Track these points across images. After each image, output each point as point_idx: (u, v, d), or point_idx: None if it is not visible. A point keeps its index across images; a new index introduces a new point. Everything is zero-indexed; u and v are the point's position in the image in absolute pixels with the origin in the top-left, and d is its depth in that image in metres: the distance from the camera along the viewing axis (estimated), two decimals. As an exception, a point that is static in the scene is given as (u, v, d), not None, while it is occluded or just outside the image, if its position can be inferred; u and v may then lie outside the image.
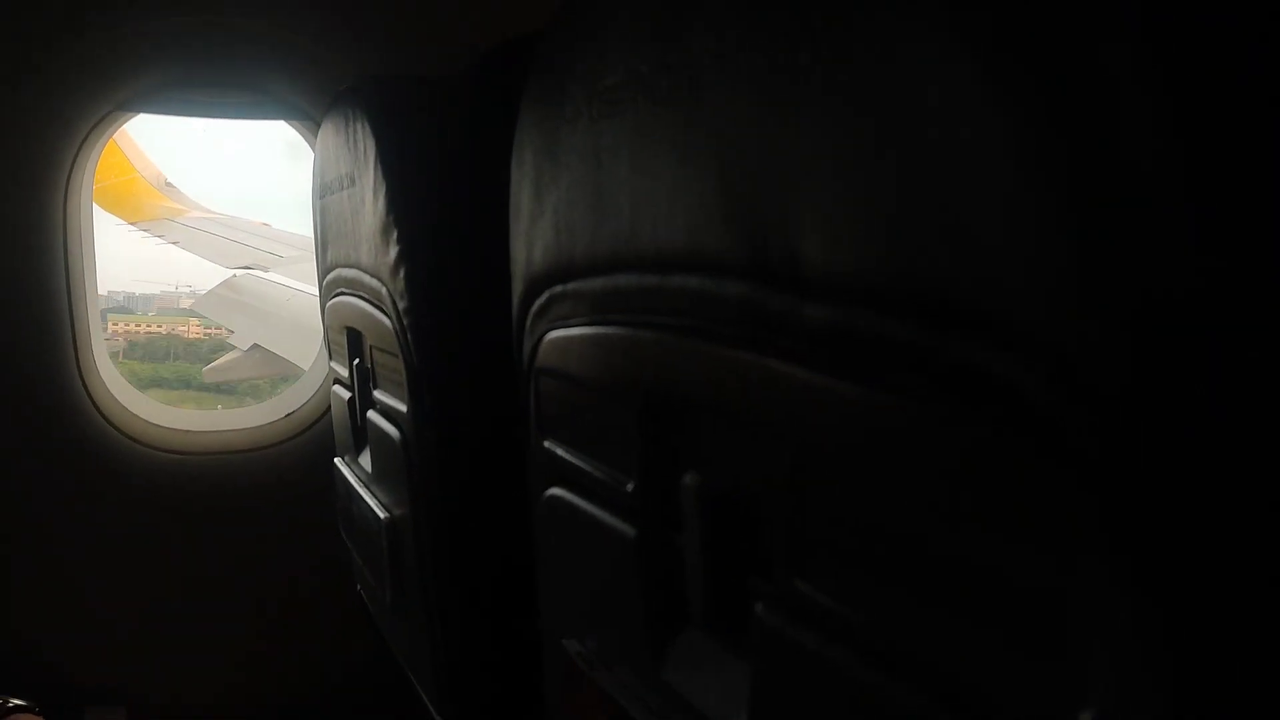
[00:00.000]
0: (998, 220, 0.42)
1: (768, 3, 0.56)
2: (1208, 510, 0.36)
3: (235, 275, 12.96)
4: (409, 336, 1.31)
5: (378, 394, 1.54)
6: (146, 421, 2.25)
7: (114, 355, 2.30)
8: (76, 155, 2.06)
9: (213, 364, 12.59)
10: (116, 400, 2.23)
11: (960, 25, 0.43)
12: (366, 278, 1.44)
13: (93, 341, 2.19)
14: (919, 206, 0.46)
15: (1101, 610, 0.40)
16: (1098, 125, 0.38)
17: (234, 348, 12.34)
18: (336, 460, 1.87)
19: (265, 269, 12.43)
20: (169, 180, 15.99)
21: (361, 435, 1.68)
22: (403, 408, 1.37)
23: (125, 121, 2.15)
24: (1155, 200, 0.37)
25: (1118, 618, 0.39)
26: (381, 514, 1.49)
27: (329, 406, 2.18)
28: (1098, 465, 0.39)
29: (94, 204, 2.23)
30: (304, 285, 10.86)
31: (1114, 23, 0.38)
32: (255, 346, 11.73)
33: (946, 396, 0.46)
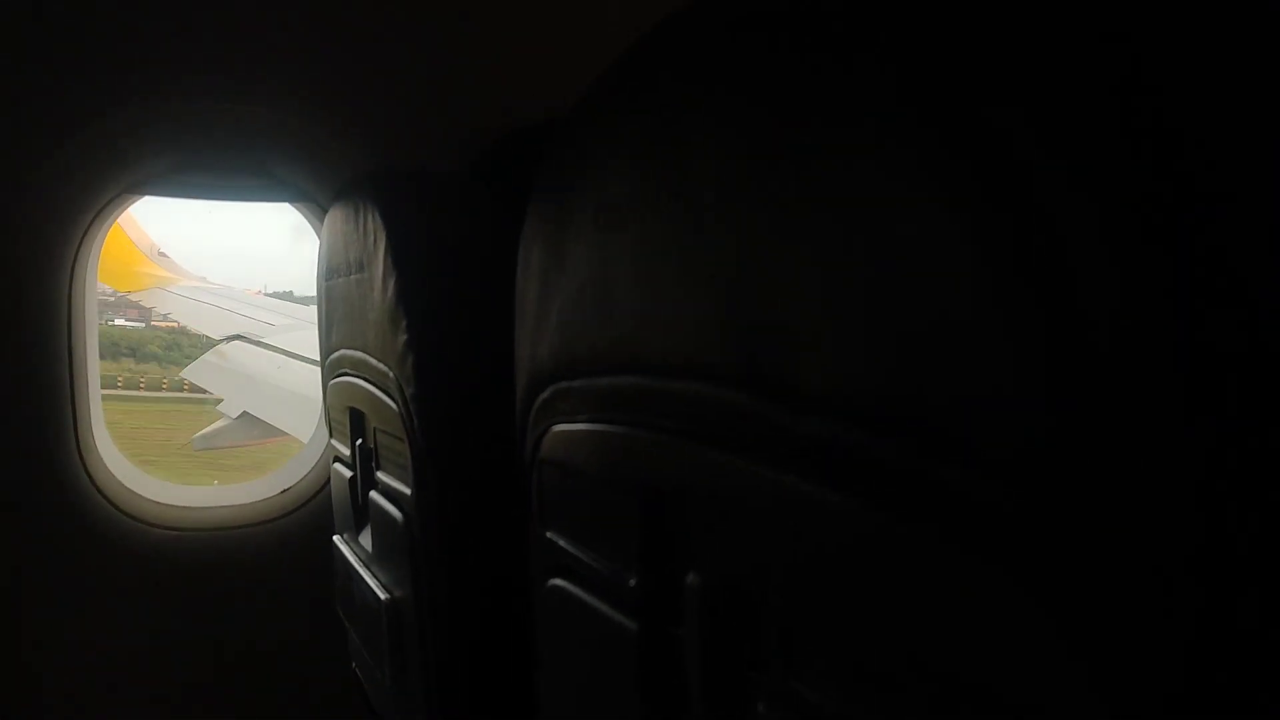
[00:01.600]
0: (973, 353, 0.45)
1: (764, 134, 0.60)
2: (1192, 637, 0.38)
3: (226, 343, 13.00)
4: (415, 422, 1.33)
5: (380, 475, 1.57)
6: (144, 498, 2.26)
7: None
8: (83, 237, 2.10)
9: (202, 432, 12.55)
10: (115, 478, 2.24)
11: (938, 171, 0.47)
12: (373, 361, 1.48)
13: (93, 420, 2.21)
14: (902, 333, 0.49)
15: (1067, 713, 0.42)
16: (1059, 272, 0.42)
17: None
18: (336, 538, 1.88)
19: (259, 337, 12.47)
20: (161, 250, 16.11)
21: (363, 514, 1.69)
22: (407, 490, 1.39)
23: (132, 204, 2.20)
24: (1116, 345, 0.40)
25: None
26: (382, 594, 1.50)
27: (325, 483, 2.19)
28: (1067, 593, 0.41)
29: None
30: (298, 353, 10.89)
31: (1064, 182, 0.42)
32: (245, 414, 11.71)
33: (926, 514, 0.49)
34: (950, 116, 0.46)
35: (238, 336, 12.87)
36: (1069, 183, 0.42)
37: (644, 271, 0.75)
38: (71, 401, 2.14)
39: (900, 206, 0.49)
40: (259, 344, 12.33)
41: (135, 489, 2.27)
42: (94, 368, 2.24)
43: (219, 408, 12.56)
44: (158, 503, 2.27)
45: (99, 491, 2.19)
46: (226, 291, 15.09)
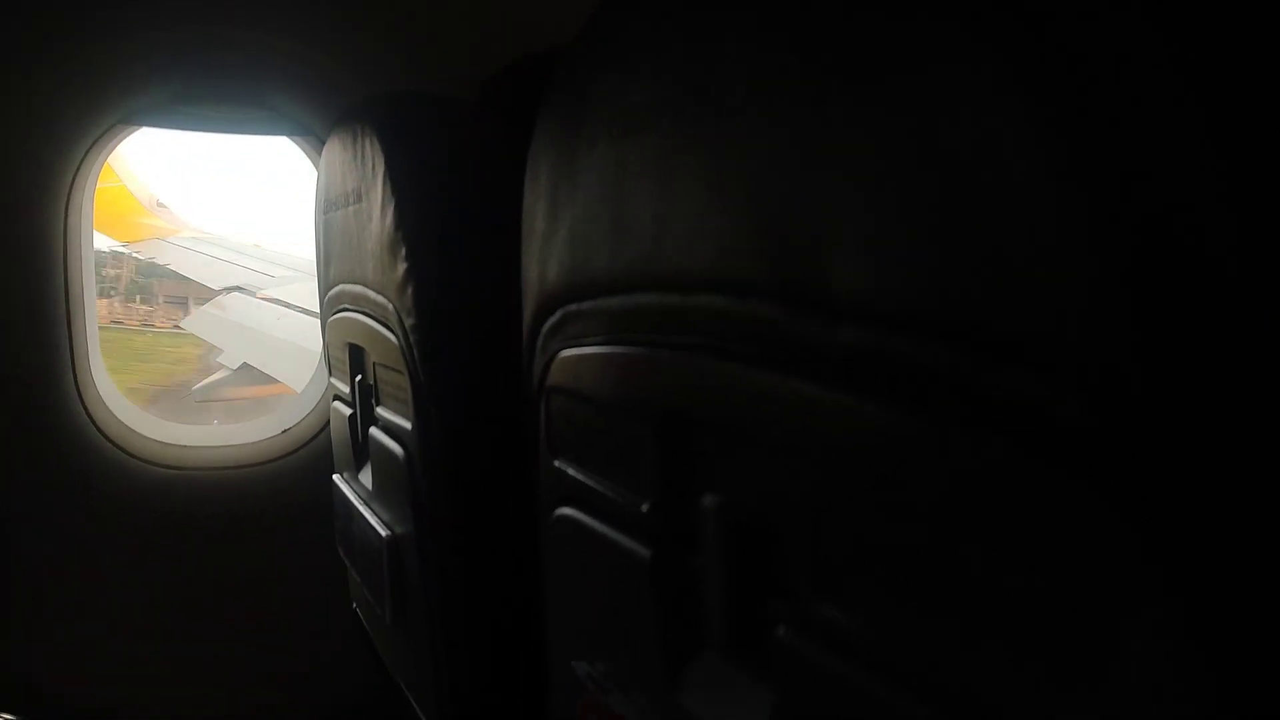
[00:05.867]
0: (1035, 245, 0.42)
1: (801, 27, 0.56)
2: (1247, 529, 0.36)
3: (225, 295, 12.97)
4: (415, 353, 1.30)
5: (380, 411, 1.54)
6: (144, 437, 2.24)
7: None
8: (78, 170, 2.06)
9: (201, 383, 12.55)
10: (114, 415, 2.22)
11: (999, 52, 0.43)
12: (372, 294, 1.44)
13: (91, 356, 2.18)
14: (954, 230, 0.46)
15: (1140, 635, 0.39)
16: (1135, 148, 0.38)
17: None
18: (335, 477, 1.86)
19: (258, 288, 12.44)
20: (160, 200, 16.04)
21: (362, 452, 1.67)
22: (407, 425, 1.37)
23: (128, 136, 2.15)
24: (1193, 221, 0.37)
25: (1157, 642, 0.39)
26: (383, 531, 1.48)
27: (326, 423, 2.17)
28: (1135, 491, 0.39)
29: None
30: (298, 305, 10.88)
31: (1146, 49, 0.38)
32: (245, 366, 11.71)
33: (979, 420, 0.46)
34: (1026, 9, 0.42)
35: (236, 288, 12.83)
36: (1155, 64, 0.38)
37: (663, 180, 0.72)
38: (69, 338, 2.12)
39: (964, 102, 0.45)
40: (258, 295, 12.30)
41: (135, 427, 2.24)
42: (91, 304, 2.21)
43: (218, 359, 12.55)
44: (157, 441, 2.26)
45: (98, 429, 2.17)
46: (224, 241, 15.03)
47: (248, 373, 11.65)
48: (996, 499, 0.46)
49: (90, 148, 2.06)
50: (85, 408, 2.16)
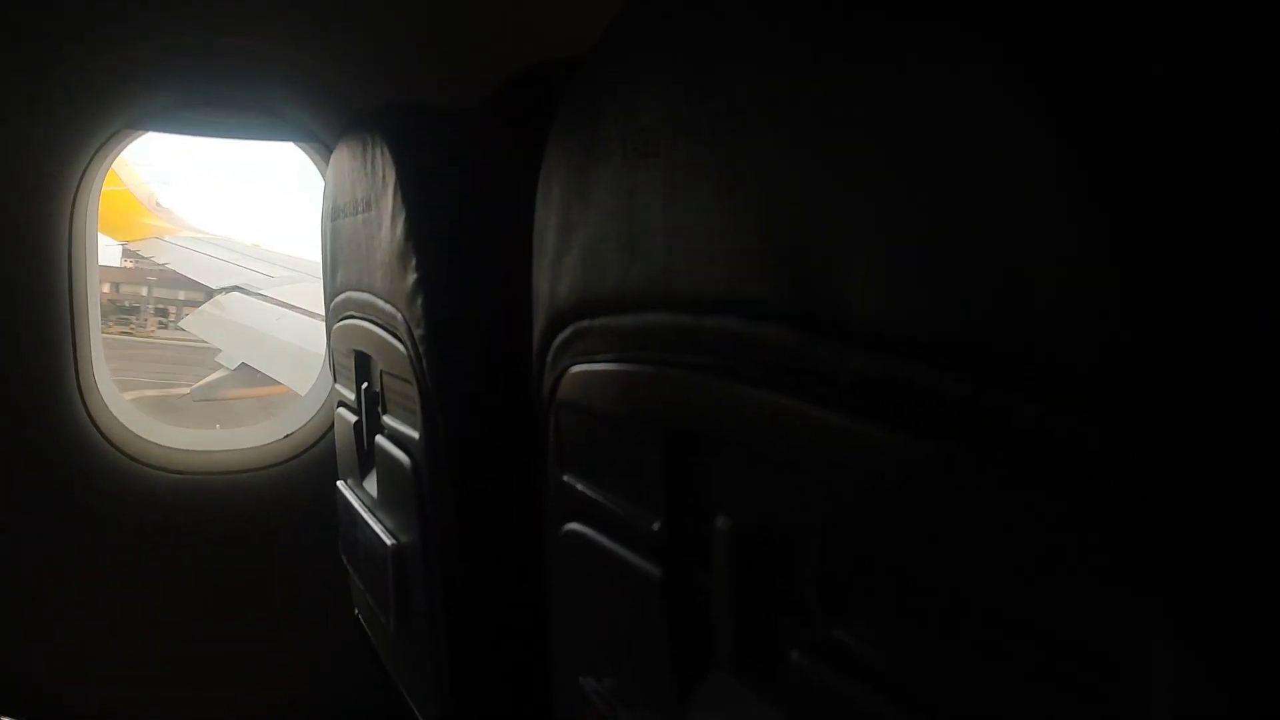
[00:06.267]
0: (1054, 274, 0.42)
1: (818, 47, 0.56)
2: (1267, 557, 0.36)
3: (224, 294, 12.96)
4: (424, 364, 1.30)
5: (387, 419, 1.54)
6: (146, 441, 2.24)
7: None
8: (84, 173, 2.06)
9: (199, 384, 12.54)
10: (116, 419, 2.22)
11: (1020, 77, 0.43)
12: (380, 302, 1.44)
13: (94, 360, 2.18)
14: (973, 258, 0.46)
15: (1154, 661, 0.40)
16: (1145, 154, 0.38)
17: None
18: (339, 483, 1.86)
19: (257, 289, 12.42)
20: (160, 201, 16.06)
21: (367, 459, 1.67)
22: (414, 434, 1.37)
23: (134, 139, 2.15)
24: (1218, 255, 0.37)
25: (1172, 667, 0.39)
26: (388, 540, 1.48)
27: (329, 428, 2.17)
28: (1152, 517, 0.39)
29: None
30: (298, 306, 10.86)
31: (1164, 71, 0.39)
32: (243, 366, 11.69)
33: (994, 448, 0.46)
34: (1035, 9, 0.43)
35: (236, 288, 12.82)
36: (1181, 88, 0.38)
37: (676, 199, 0.72)
38: (73, 342, 2.11)
39: (976, 116, 0.45)
40: (257, 295, 12.28)
41: (138, 431, 2.24)
42: (95, 308, 2.21)
43: (218, 359, 12.54)
44: (160, 445, 2.25)
45: (101, 434, 2.17)
46: (224, 242, 15.03)
47: (246, 373, 11.64)
48: (1007, 523, 0.46)
49: (96, 152, 2.06)
50: (88, 411, 2.16)
